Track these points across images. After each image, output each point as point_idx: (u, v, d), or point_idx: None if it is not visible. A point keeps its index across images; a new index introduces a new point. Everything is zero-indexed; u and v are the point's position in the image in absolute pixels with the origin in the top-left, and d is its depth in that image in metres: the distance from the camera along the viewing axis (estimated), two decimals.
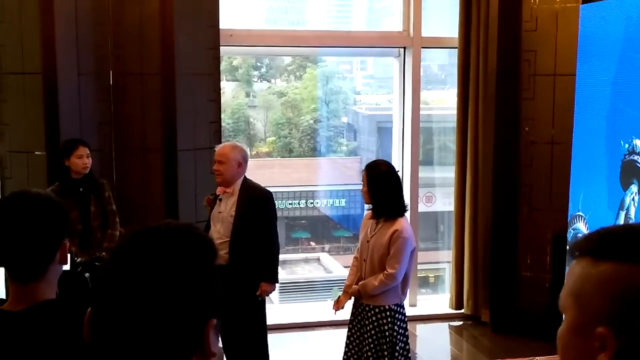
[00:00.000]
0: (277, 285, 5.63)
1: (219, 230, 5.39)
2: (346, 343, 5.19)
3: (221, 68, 7.08)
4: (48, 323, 1.94)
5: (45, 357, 1.90)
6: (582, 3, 6.31)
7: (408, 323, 5.15)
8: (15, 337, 1.96)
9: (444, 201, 9.46)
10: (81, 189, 5.70)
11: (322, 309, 8.00)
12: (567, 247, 1.35)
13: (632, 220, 5.22)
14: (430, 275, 10.38)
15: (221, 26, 6.77)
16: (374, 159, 5.44)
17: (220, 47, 6.81)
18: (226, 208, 5.39)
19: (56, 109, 6.26)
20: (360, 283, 5.01)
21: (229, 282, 5.36)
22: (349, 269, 5.37)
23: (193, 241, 1.26)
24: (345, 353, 5.18)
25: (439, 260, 9.84)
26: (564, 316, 1.28)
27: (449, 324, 7.68)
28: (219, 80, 6.90)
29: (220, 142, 6.55)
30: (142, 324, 1.17)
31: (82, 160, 5.71)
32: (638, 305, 1.18)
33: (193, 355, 1.23)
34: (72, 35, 6.33)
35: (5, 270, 2.05)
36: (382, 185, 4.90)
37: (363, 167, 5.10)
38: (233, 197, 5.39)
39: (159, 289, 1.18)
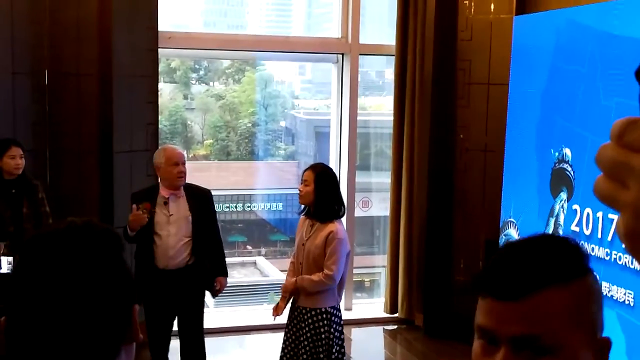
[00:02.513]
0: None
1: (175, 234, 5.36)
2: (282, 347, 5.21)
3: (159, 70, 7.04)
4: None
5: None
6: (516, 15, 6.46)
7: (343, 327, 5.20)
8: None
9: (380, 206, 9.54)
10: (13, 190, 5.61)
11: (258, 313, 8.01)
12: (488, 287, 1.18)
13: (562, 227, 5.36)
14: (365, 280, 10.44)
15: (160, 28, 6.74)
16: (312, 163, 5.49)
17: (159, 49, 6.78)
18: (179, 210, 5.39)
19: None
20: (299, 277, 5.04)
21: (193, 281, 5.45)
22: (285, 273, 5.40)
23: (99, 236, 1.24)
24: (281, 358, 5.20)
25: (375, 265, 9.91)
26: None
27: (384, 328, 7.75)
28: (157, 82, 6.86)
29: (157, 145, 6.53)
30: (66, 327, 1.15)
31: (15, 160, 5.62)
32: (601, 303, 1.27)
33: (122, 345, 1.23)
34: (7, 33, 6.21)
35: None
36: (328, 186, 4.96)
37: (302, 170, 5.14)
38: (181, 199, 5.40)
39: (75, 289, 1.16)
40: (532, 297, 1.20)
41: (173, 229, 5.37)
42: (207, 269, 5.49)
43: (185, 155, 5.71)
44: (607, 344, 1.24)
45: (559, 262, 1.23)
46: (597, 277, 1.29)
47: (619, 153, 0.64)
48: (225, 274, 5.68)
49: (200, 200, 5.49)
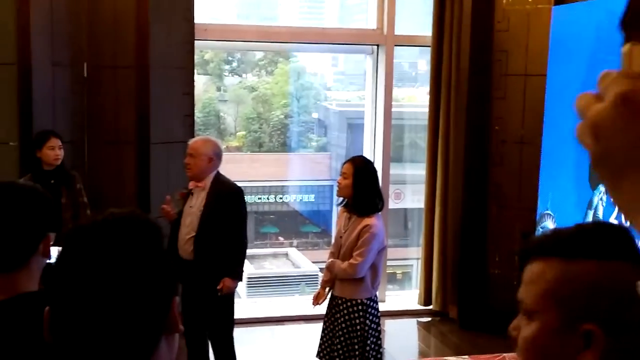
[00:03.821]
0: (239, 282, 5.56)
1: (188, 225, 5.33)
2: (321, 336, 5.21)
3: None
4: (26, 315, 1.89)
5: (22, 350, 1.86)
6: (554, 5, 6.40)
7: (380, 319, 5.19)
8: None
9: (412, 198, 9.53)
10: (52, 181, 5.66)
11: (289, 303, 8.04)
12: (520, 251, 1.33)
13: (600, 220, 5.32)
14: (397, 272, 10.45)
15: (195, 20, 6.77)
16: (344, 155, 5.47)
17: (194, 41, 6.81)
18: (197, 203, 5.33)
19: (30, 99, 6.20)
20: (331, 260, 5.06)
21: (193, 277, 5.30)
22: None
23: (141, 227, 1.25)
24: (320, 346, 5.21)
25: (407, 257, 9.91)
26: (526, 321, 1.27)
27: (417, 320, 7.73)
28: (192, 74, 6.89)
29: (193, 136, 6.56)
30: (107, 316, 1.17)
31: (54, 151, 5.68)
32: (625, 300, 1.22)
33: (162, 335, 1.24)
34: (47, 25, 6.28)
35: None
36: (367, 181, 4.93)
37: (334, 162, 5.13)
38: (204, 192, 5.31)
39: (118, 280, 1.18)
40: (532, 262, 1.28)
41: (186, 221, 5.34)
42: (211, 268, 5.29)
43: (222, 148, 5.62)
44: (597, 336, 1.20)
45: (575, 238, 1.26)
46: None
47: (588, 100, 0.71)
48: (235, 277, 5.38)
49: (223, 197, 5.30)
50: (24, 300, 1.96)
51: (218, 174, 5.38)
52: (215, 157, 5.33)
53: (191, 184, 5.39)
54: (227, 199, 5.31)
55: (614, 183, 0.71)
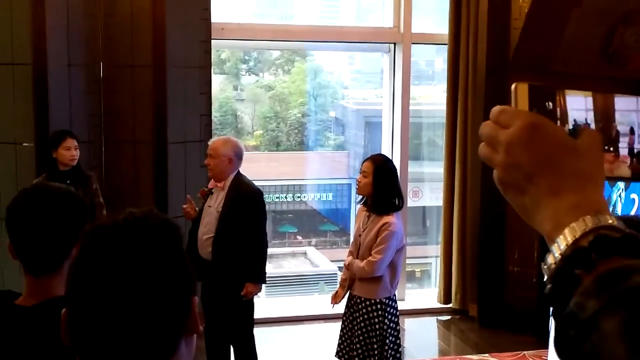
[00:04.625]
0: (262, 285, 5.51)
1: (206, 225, 5.30)
2: (340, 335, 5.19)
3: None
4: (58, 320, 1.90)
5: (53, 355, 1.85)
6: None
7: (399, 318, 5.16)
8: (24, 333, 1.94)
9: (431, 196, 9.49)
10: (68, 181, 5.65)
11: (308, 303, 8.02)
12: None
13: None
14: (416, 270, 10.40)
15: (212, 20, 6.77)
16: (362, 153, 5.43)
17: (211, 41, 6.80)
18: (215, 203, 5.28)
19: (46, 100, 6.22)
20: (350, 260, 5.03)
21: (212, 278, 5.26)
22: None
23: (160, 227, 1.23)
24: (339, 345, 5.18)
25: (426, 255, 9.87)
26: None
27: (437, 318, 7.70)
28: (210, 73, 6.88)
29: (210, 135, 6.55)
30: (127, 318, 1.16)
31: (70, 152, 5.68)
32: None
33: (182, 336, 1.22)
34: (62, 26, 6.30)
35: (21, 262, 2.04)
36: (386, 179, 4.90)
37: (351, 160, 5.10)
38: (223, 192, 5.26)
39: (138, 281, 1.17)
40: None
41: (205, 221, 5.30)
42: (230, 270, 5.23)
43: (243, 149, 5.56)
44: None
45: None
46: None
47: (493, 129, 0.90)
48: (258, 281, 5.33)
49: (241, 199, 5.22)
50: (57, 304, 1.95)
51: (238, 175, 5.32)
52: (236, 157, 5.28)
53: (211, 183, 5.36)
54: (245, 201, 5.24)
55: (519, 188, 0.89)
